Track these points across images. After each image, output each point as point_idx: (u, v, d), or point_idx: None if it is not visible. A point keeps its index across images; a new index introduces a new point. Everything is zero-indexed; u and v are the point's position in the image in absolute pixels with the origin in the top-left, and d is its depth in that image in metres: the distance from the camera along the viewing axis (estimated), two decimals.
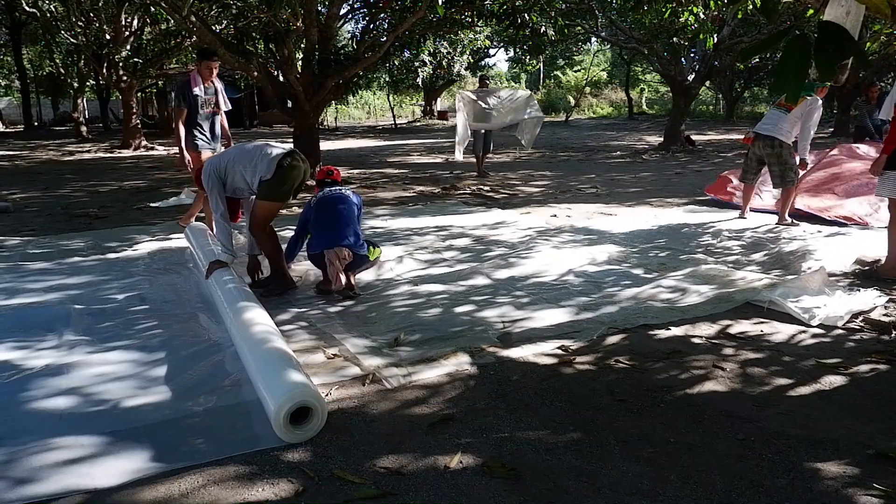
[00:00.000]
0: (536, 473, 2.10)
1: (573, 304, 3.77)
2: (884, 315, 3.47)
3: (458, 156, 9.79)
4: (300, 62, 9.48)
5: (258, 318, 3.05)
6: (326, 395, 2.64)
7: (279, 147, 3.96)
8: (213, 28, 9.50)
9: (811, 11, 5.18)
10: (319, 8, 9.58)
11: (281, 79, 9.58)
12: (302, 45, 9.73)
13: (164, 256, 5.03)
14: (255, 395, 2.61)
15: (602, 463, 2.16)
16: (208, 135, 5.63)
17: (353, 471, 2.13)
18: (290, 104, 9.80)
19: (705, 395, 2.63)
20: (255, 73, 8.86)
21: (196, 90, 5.43)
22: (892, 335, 3.21)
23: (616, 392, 2.66)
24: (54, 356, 3.05)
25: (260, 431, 2.36)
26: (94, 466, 2.15)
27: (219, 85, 5.69)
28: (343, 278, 3.81)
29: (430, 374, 2.86)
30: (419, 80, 25.31)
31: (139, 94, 21.96)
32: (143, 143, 15.93)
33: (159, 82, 24.12)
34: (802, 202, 6.28)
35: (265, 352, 2.68)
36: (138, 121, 16.79)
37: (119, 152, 15.16)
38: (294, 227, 4.35)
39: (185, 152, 5.50)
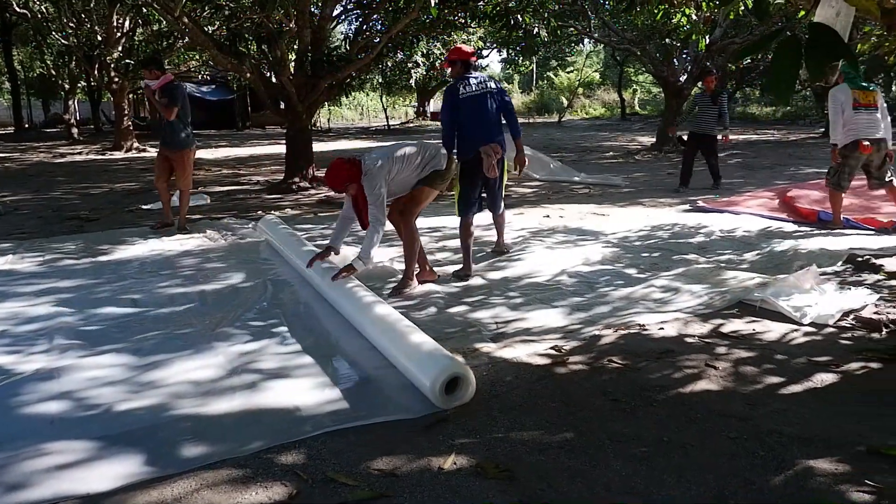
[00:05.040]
0: (530, 474, 2.10)
1: (566, 304, 3.78)
2: (874, 313, 3.49)
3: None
4: (293, 63, 9.47)
5: (384, 308, 3.27)
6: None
7: (430, 144, 4.17)
8: (206, 29, 9.46)
9: (802, 13, 5.21)
10: (312, 9, 9.56)
11: (274, 80, 9.55)
12: (295, 47, 9.70)
13: (157, 259, 5.01)
14: (249, 399, 2.61)
15: (596, 463, 2.16)
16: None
17: (347, 473, 2.12)
18: (282, 105, 9.78)
19: (698, 394, 2.64)
20: (248, 75, 8.83)
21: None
22: (883, 333, 3.23)
23: (609, 392, 2.67)
24: (45, 360, 3.03)
25: (253, 436, 2.35)
26: (86, 471, 2.14)
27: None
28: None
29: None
30: (412, 82, 25.29)
31: (131, 96, 21.85)
32: (136, 144, 15.87)
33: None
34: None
35: (407, 331, 2.92)
36: (130, 122, 16.73)
37: (111, 154, 15.09)
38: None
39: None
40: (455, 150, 4.30)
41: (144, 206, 7.52)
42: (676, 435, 2.32)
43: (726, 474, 2.08)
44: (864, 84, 5.52)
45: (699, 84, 7.75)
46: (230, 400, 2.62)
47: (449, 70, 4.63)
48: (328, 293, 3.77)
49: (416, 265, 4.12)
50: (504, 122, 4.63)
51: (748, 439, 2.28)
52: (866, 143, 5.46)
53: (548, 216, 6.68)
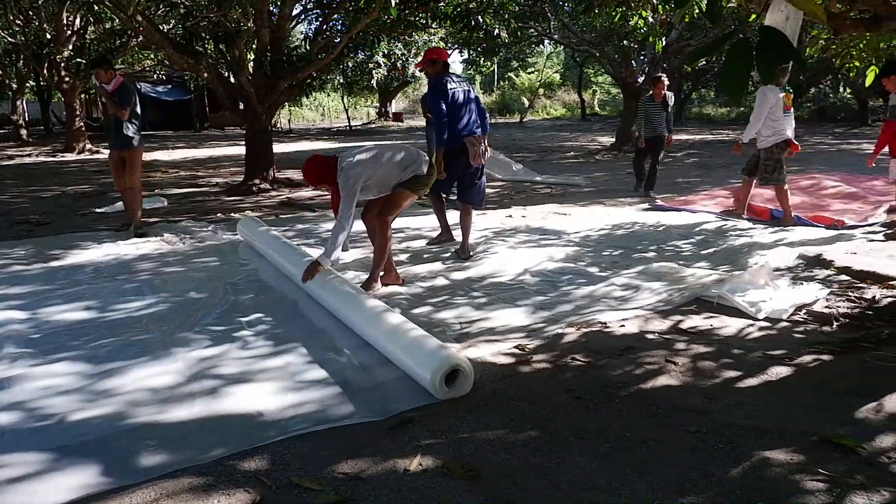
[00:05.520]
0: (496, 473, 2.11)
1: (529, 303, 3.81)
2: (826, 307, 3.62)
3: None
4: (252, 63, 9.32)
5: (380, 305, 3.33)
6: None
7: (413, 149, 4.19)
8: (161, 27, 9.25)
9: (753, 16, 5.36)
10: (271, 8, 9.43)
11: (232, 80, 9.39)
12: (253, 46, 9.56)
13: (112, 263, 4.87)
14: (210, 405, 2.56)
15: (560, 460, 2.18)
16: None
17: (311, 477, 2.10)
18: (242, 106, 9.62)
19: (659, 390, 2.69)
20: (206, 74, 8.67)
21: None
22: (834, 326, 3.35)
23: (573, 389, 2.70)
24: None
25: (214, 443, 2.31)
26: (40, 484, 2.07)
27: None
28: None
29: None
30: (374, 82, 25.19)
31: (83, 96, 21.20)
32: (88, 146, 15.40)
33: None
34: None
35: (404, 327, 2.98)
36: (82, 123, 16.24)
37: (62, 156, 14.63)
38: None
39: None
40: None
41: (98, 210, 7.30)
42: (638, 430, 2.36)
43: (687, 467, 2.12)
44: (787, 88, 5.90)
45: (648, 91, 7.81)
46: (190, 407, 2.57)
47: (426, 69, 4.91)
48: (313, 290, 3.80)
49: (382, 269, 4.11)
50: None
51: (707, 432, 2.33)
52: (795, 142, 5.91)
53: (510, 216, 6.72)
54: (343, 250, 3.84)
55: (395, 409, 2.54)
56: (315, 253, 4.16)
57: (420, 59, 5.00)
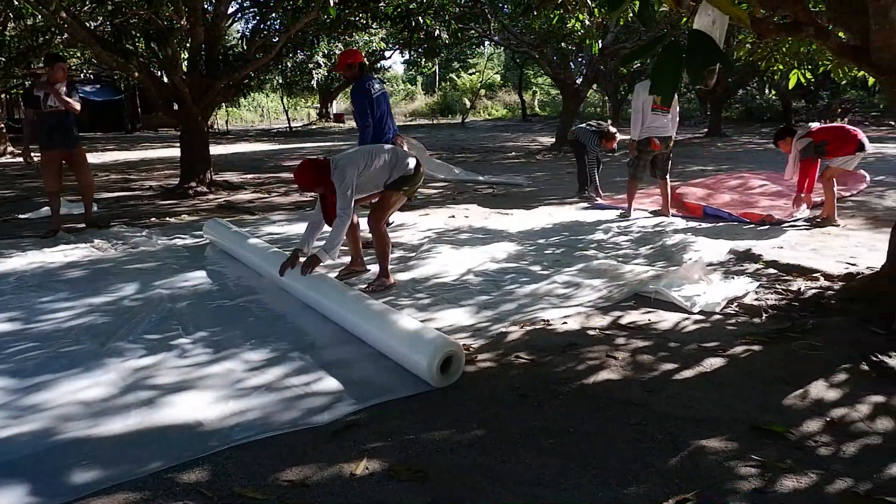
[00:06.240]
0: (443, 473, 2.11)
1: (474, 303, 3.83)
2: (755, 300, 3.78)
3: None
4: (186, 62, 9.05)
5: (372, 301, 3.39)
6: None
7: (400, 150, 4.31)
8: (88, 24, 8.86)
9: (684, 20, 5.56)
10: (206, 6, 9.18)
11: (165, 80, 9.09)
12: (187, 45, 9.28)
13: (38, 272, 4.64)
14: (147, 416, 2.47)
15: (506, 457, 2.20)
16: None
17: (255, 487, 2.05)
18: (175, 106, 9.32)
19: (600, 384, 2.76)
20: (136, 74, 8.36)
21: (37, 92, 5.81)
22: (763, 318, 3.50)
23: (517, 387, 2.73)
24: None
25: (151, 456, 2.22)
26: None
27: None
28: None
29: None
30: (314, 83, 24.82)
31: (3, 96, 20.13)
32: (10, 149, 14.64)
33: (27, 82, 22.22)
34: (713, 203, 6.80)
35: (397, 319, 3.05)
36: (3, 125, 15.42)
37: None
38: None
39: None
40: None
41: (22, 216, 6.94)
42: (582, 425, 2.41)
43: (628, 459, 2.18)
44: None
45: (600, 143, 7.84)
46: (125, 419, 2.47)
47: (344, 73, 5.09)
48: (291, 286, 3.88)
49: (350, 255, 4.34)
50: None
51: (647, 424, 2.40)
52: (657, 140, 6.22)
53: (453, 216, 6.75)
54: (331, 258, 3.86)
55: (340, 412, 2.51)
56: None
57: (338, 63, 5.15)
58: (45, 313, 3.72)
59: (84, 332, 3.41)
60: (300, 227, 6.14)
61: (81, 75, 22.74)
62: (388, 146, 4.31)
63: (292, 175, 3.92)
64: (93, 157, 14.24)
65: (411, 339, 2.85)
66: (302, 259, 3.84)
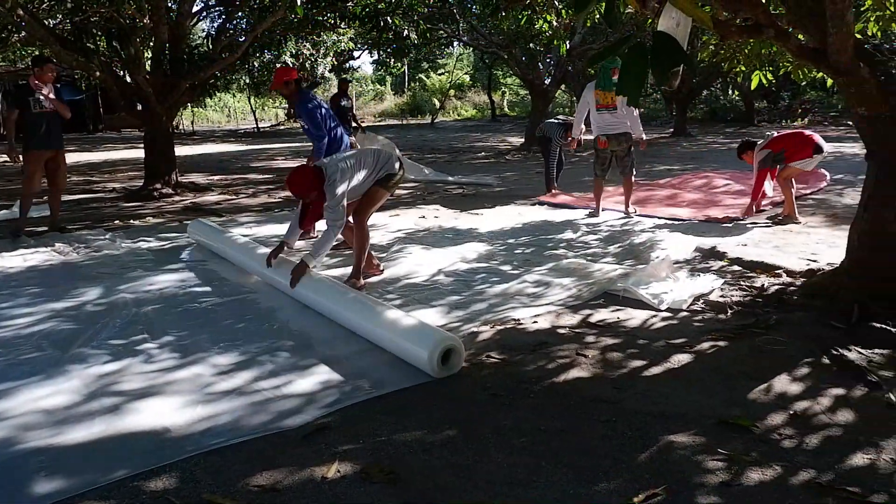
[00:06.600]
0: (415, 474, 2.11)
1: (444, 303, 3.84)
2: (721, 296, 3.85)
3: None
4: (149, 62, 8.87)
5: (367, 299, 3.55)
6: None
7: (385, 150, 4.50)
8: (47, 22, 8.62)
9: (650, 21, 5.64)
10: (169, 4, 9.01)
11: (128, 79, 8.90)
12: (151, 44, 9.10)
13: None
14: (112, 423, 2.41)
15: (478, 457, 2.21)
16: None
17: (224, 493, 2.02)
18: (139, 107, 9.13)
19: (571, 382, 2.78)
20: (98, 73, 8.16)
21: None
22: (728, 314, 3.57)
23: (489, 387, 2.74)
24: None
25: (117, 463, 2.17)
26: None
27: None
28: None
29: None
30: None
31: None
32: None
33: None
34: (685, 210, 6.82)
35: (396, 316, 3.17)
36: None
37: None
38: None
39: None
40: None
41: None
42: (553, 423, 2.43)
43: (599, 455, 2.20)
44: (611, 85, 6.14)
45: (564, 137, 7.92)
46: (89, 427, 2.41)
47: (282, 91, 5.24)
48: (281, 286, 3.96)
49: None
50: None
51: (617, 421, 2.43)
52: (603, 138, 6.36)
53: (423, 217, 6.75)
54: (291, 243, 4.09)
55: (310, 415, 2.49)
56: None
57: (273, 82, 5.29)
58: (4, 319, 3.62)
59: (45, 338, 3.33)
60: (269, 229, 6.08)
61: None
62: (374, 148, 4.45)
63: (286, 181, 3.94)
64: None
65: (412, 331, 2.98)
66: (287, 250, 4.05)
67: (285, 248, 4.05)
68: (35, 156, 5.89)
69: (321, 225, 4.23)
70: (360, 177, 4.03)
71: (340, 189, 3.85)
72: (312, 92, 5.34)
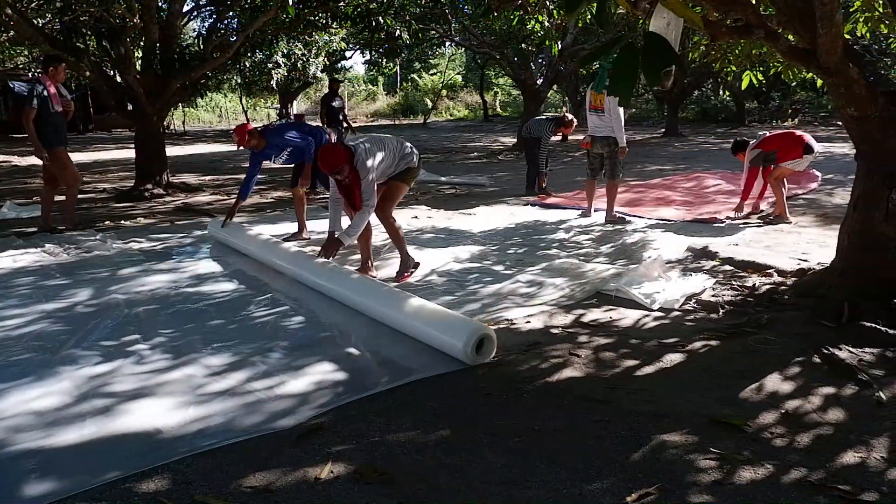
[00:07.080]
0: (409, 474, 2.11)
1: (438, 303, 3.82)
2: (712, 296, 3.87)
3: None
4: (140, 62, 8.82)
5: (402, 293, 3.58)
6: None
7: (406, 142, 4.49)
8: (35, 21, 8.56)
9: (641, 22, 5.66)
10: (160, 3, 8.96)
11: (119, 79, 8.84)
12: (141, 44, 9.05)
13: None
14: (103, 425, 2.40)
15: (472, 457, 2.21)
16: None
17: (217, 494, 2.01)
18: (130, 107, 9.08)
19: (564, 382, 2.79)
20: (88, 73, 8.11)
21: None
22: (720, 314, 3.59)
23: (482, 386, 2.74)
24: None
25: (108, 465, 2.16)
26: None
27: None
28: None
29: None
30: (273, 83, 24.47)
31: None
32: None
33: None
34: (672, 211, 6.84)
35: (425, 307, 3.30)
36: None
37: None
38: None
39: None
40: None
41: None
42: (546, 422, 2.43)
43: (593, 455, 2.21)
44: (604, 87, 6.04)
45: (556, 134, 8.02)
46: (80, 428, 2.39)
47: (249, 143, 5.50)
48: (312, 274, 4.08)
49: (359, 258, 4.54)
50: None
51: (610, 420, 2.43)
52: (588, 139, 6.49)
53: (416, 217, 6.74)
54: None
55: (304, 416, 2.48)
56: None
57: (238, 140, 5.60)
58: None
59: (35, 339, 3.30)
60: (262, 229, 6.05)
61: (29, 74, 21.96)
62: (396, 137, 4.47)
63: (319, 157, 4.05)
64: None
65: (445, 323, 3.09)
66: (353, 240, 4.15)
67: (337, 239, 4.11)
68: (62, 151, 6.08)
69: (321, 225, 4.40)
70: (385, 162, 4.14)
71: (369, 169, 3.97)
72: (270, 125, 5.72)
